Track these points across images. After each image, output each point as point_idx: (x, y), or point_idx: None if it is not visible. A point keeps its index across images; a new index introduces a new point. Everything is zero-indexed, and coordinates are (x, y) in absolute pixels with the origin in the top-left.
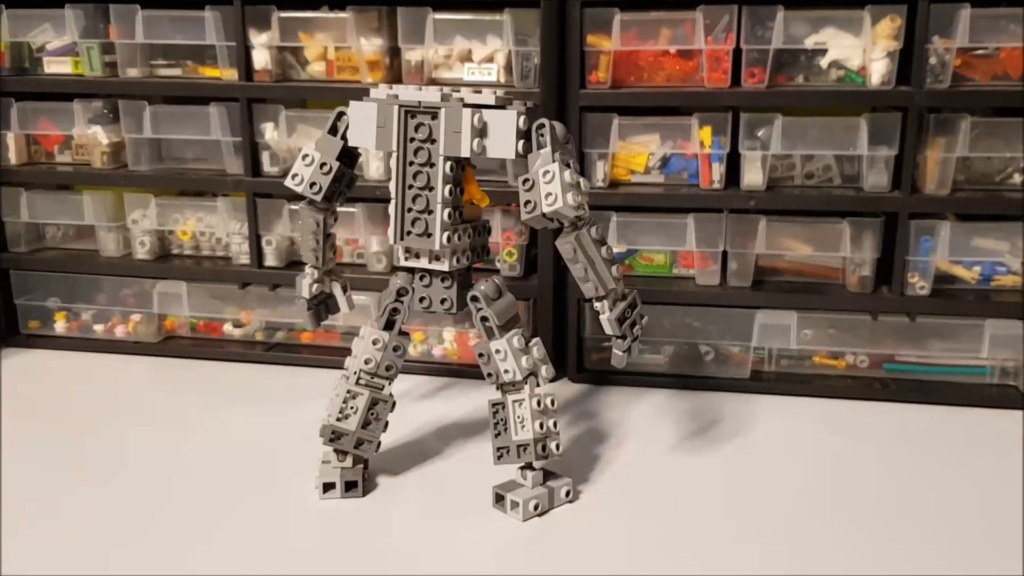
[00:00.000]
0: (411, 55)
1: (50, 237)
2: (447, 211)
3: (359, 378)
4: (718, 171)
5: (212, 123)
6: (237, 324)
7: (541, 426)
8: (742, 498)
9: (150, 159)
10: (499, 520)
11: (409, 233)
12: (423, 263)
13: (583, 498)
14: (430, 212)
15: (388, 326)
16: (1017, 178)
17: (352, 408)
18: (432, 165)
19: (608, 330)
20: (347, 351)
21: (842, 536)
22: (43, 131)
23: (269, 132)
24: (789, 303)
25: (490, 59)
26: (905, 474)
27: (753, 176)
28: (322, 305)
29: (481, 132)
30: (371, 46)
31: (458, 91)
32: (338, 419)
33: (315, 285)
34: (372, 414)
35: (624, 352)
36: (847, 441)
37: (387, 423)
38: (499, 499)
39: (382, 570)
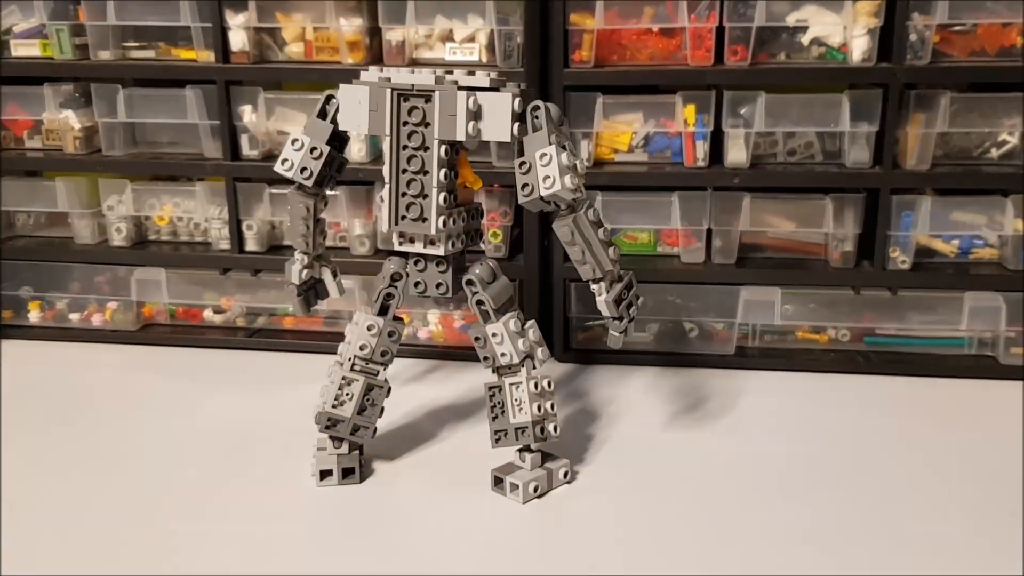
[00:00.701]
0: (392, 35)
1: (20, 225)
2: (443, 195)
3: (353, 364)
4: (702, 149)
5: (188, 106)
6: (217, 310)
7: (539, 408)
8: (738, 473)
9: (124, 143)
10: (499, 502)
11: (404, 218)
12: (418, 248)
13: (580, 478)
14: (425, 196)
15: (382, 311)
16: (994, 152)
17: (347, 395)
18: (426, 149)
19: (605, 312)
20: (330, 335)
21: (837, 506)
22: (11, 116)
23: (247, 115)
24: (773, 279)
25: (471, 39)
26: (894, 444)
27: (737, 154)
28: (311, 291)
29: (476, 115)
30: (351, 26)
31: (451, 73)
32: (333, 406)
33: (305, 271)
34: (368, 400)
35: (620, 333)
36: (834, 414)
37: (383, 409)
38: (498, 482)
39: (385, 556)
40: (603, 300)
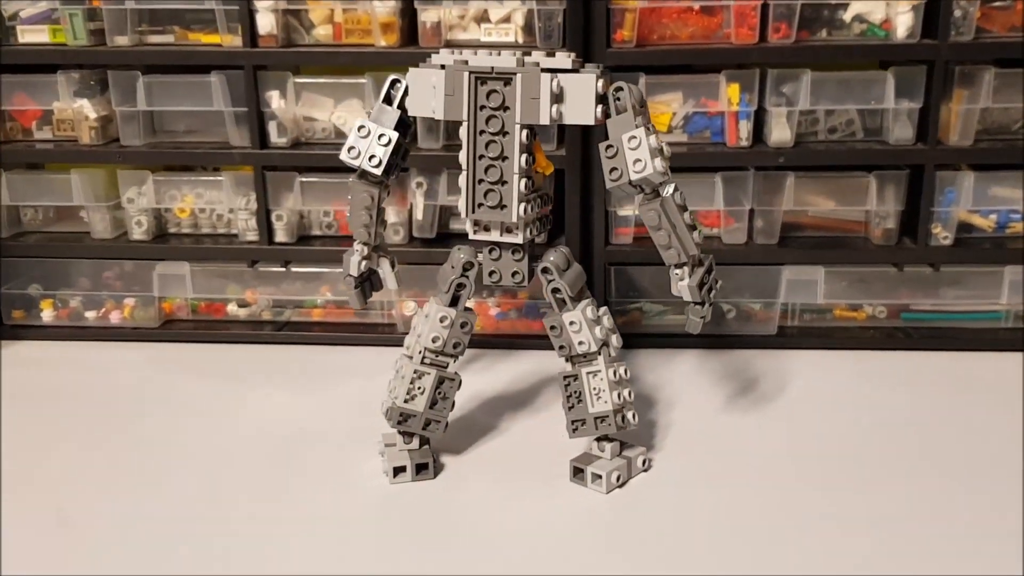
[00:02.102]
0: (426, 16)
1: (28, 220)
2: (523, 181)
3: (424, 357)
4: (745, 128)
5: (214, 93)
6: (242, 304)
7: (618, 396)
8: (805, 454)
9: (144, 133)
10: (580, 493)
11: (481, 205)
12: (494, 236)
13: (656, 466)
14: (504, 183)
15: (453, 302)
16: None
17: (419, 388)
18: (505, 134)
19: (687, 297)
20: (361, 327)
21: (913, 485)
22: (18, 106)
23: (276, 101)
24: (816, 259)
25: (507, 19)
26: (951, 420)
27: (781, 133)
28: (367, 282)
29: (558, 98)
30: (384, 7)
31: (529, 55)
32: (405, 401)
33: (364, 262)
34: (439, 393)
35: (701, 319)
36: (885, 391)
37: (454, 402)
38: (577, 472)
39: (474, 550)
40: (685, 285)
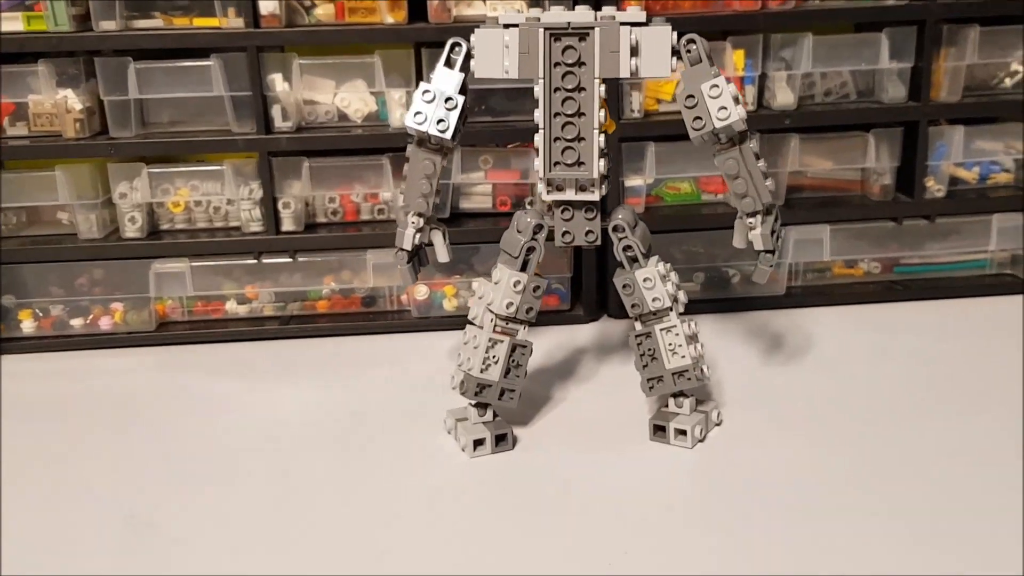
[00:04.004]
0: None
1: (1, 225)
2: (602, 137)
3: (495, 325)
4: (750, 93)
5: (213, 77)
6: (242, 301)
7: (695, 350)
8: (852, 398)
9: (136, 124)
10: (664, 450)
11: (558, 164)
12: (568, 195)
13: (725, 419)
14: (581, 139)
15: (523, 267)
16: (1008, 82)
17: (493, 357)
18: (582, 90)
19: (759, 245)
20: (371, 315)
21: (953, 413)
22: None
23: (279, 84)
24: (819, 217)
25: None
26: (962, 357)
27: (784, 96)
28: (415, 257)
29: (634, 51)
30: None
31: (599, 9)
32: (481, 371)
33: (418, 235)
34: (512, 361)
35: (770, 267)
36: (898, 338)
37: (527, 371)
38: (658, 430)
39: (578, 513)
40: (758, 234)
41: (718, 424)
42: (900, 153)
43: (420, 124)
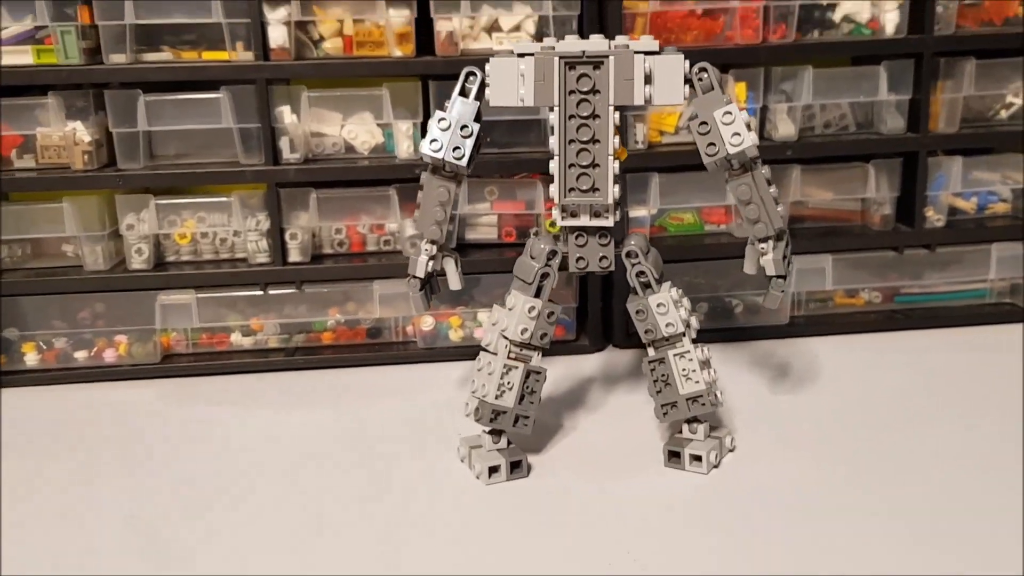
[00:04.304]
0: (442, 25)
1: (5, 257)
2: (616, 163)
3: (509, 351)
4: (753, 125)
5: (223, 109)
6: (247, 332)
7: (708, 375)
8: (862, 425)
9: (144, 155)
10: (679, 476)
11: (572, 190)
12: (583, 221)
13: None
14: (596, 166)
15: (536, 293)
16: (1004, 113)
17: (507, 384)
18: (596, 117)
19: (771, 271)
20: (377, 346)
21: (958, 436)
22: None
23: (287, 116)
24: (822, 247)
25: (517, 28)
26: (968, 384)
27: (786, 127)
28: (427, 285)
29: (648, 79)
30: (400, 17)
31: (613, 40)
32: (496, 397)
33: (431, 262)
34: (527, 388)
35: (782, 292)
36: (903, 367)
37: (540, 398)
38: (673, 456)
39: (598, 538)
40: (770, 259)
41: (731, 450)
42: (900, 183)
43: (436, 152)
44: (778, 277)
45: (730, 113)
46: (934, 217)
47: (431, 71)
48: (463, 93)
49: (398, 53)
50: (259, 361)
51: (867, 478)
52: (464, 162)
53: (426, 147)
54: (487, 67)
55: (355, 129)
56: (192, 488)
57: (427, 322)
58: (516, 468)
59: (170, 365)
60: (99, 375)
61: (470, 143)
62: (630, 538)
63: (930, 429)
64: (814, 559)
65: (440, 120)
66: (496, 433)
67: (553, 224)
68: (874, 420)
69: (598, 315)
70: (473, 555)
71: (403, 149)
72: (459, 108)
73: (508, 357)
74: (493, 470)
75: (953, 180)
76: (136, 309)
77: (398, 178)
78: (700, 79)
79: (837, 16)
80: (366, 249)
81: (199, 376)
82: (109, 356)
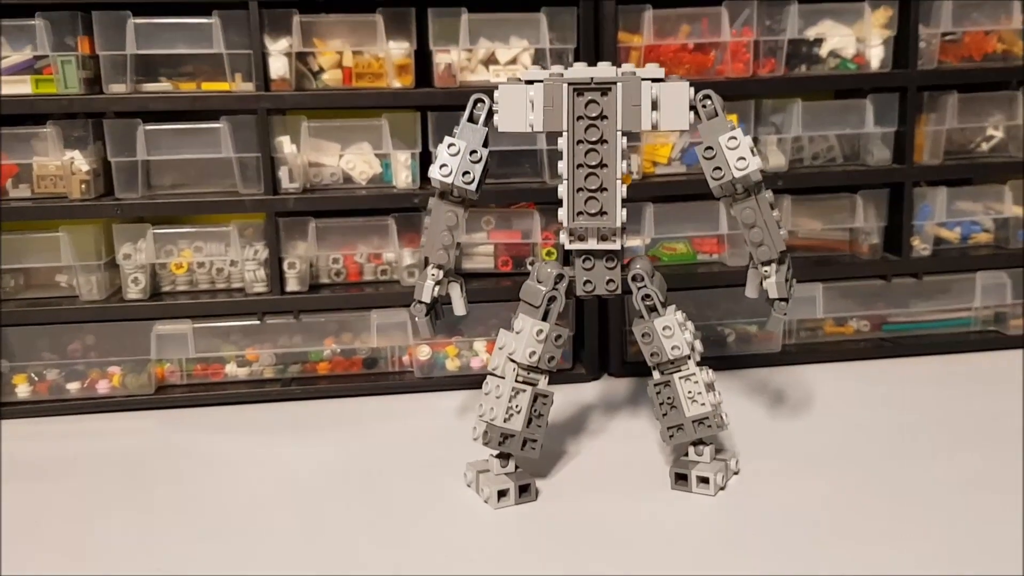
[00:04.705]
0: (441, 57)
1: (5, 289)
2: (624, 187)
3: (517, 375)
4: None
5: (223, 139)
6: (242, 363)
7: (714, 397)
8: (860, 447)
9: (142, 185)
10: (687, 499)
11: (581, 214)
12: (590, 244)
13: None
14: (604, 190)
15: (544, 316)
16: (984, 146)
17: (515, 407)
18: (604, 142)
19: (773, 293)
20: (373, 376)
21: (952, 458)
22: None
23: (286, 146)
24: (812, 275)
25: (513, 61)
26: (955, 406)
27: (776, 158)
28: (432, 310)
29: (654, 105)
30: (400, 49)
31: (619, 67)
32: (504, 420)
33: (437, 287)
34: (534, 411)
35: (784, 315)
36: (895, 392)
37: (548, 421)
38: (680, 478)
39: (612, 561)
40: (773, 282)
41: (736, 472)
42: (887, 213)
43: (446, 176)
44: (781, 300)
45: (735, 138)
46: (920, 246)
47: (430, 102)
48: (471, 119)
49: (397, 84)
50: (257, 391)
51: (871, 499)
52: (474, 187)
53: (436, 172)
54: (496, 94)
55: (353, 159)
56: (189, 517)
57: (424, 351)
58: (525, 492)
59: (164, 396)
60: (92, 407)
61: (479, 168)
62: (645, 560)
63: (925, 452)
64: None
65: (450, 145)
66: (504, 457)
67: (550, 253)
68: (871, 445)
69: (595, 344)
70: None
71: (401, 179)
72: (468, 134)
73: (516, 380)
74: (502, 494)
75: (938, 210)
76: (131, 339)
77: (397, 207)
78: (704, 106)
79: (824, 51)
80: (363, 279)
81: (197, 407)
82: (103, 387)
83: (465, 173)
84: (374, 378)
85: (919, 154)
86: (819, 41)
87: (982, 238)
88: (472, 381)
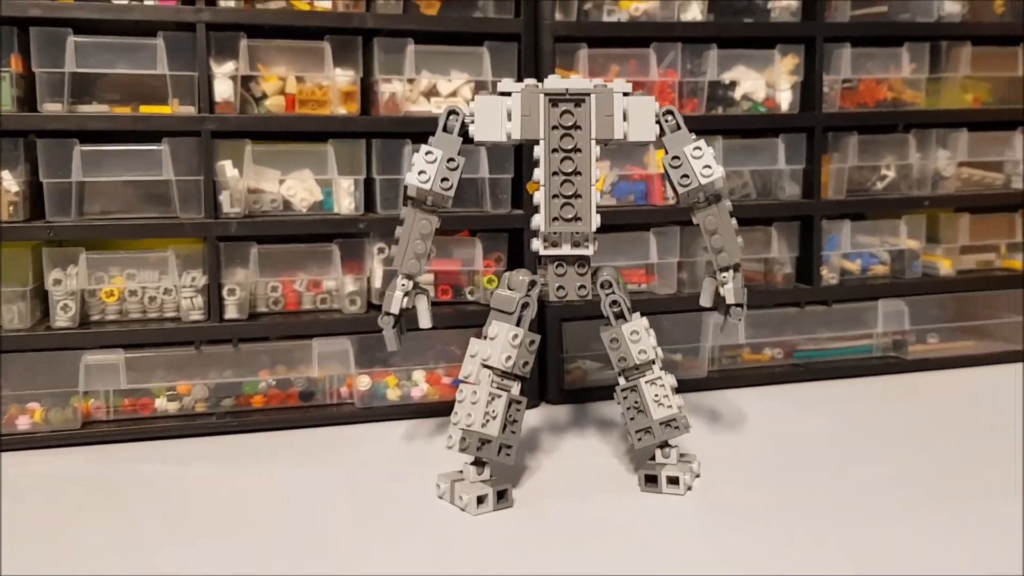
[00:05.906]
0: (385, 87)
1: None
2: (598, 194)
3: (492, 380)
4: (669, 190)
5: (163, 161)
6: (173, 397)
7: (680, 399)
8: (795, 456)
9: (76, 207)
10: (658, 499)
11: (556, 219)
12: (564, 250)
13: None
14: (578, 197)
15: (517, 322)
16: (879, 184)
17: (492, 413)
18: (578, 151)
19: (731, 299)
20: (310, 408)
21: (878, 466)
22: None
23: (228, 170)
24: None
25: (454, 94)
26: (904, 429)
27: None
28: (398, 323)
29: (624, 117)
30: (345, 76)
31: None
32: (482, 425)
33: (405, 298)
34: (509, 417)
35: (739, 320)
36: (812, 410)
37: (521, 427)
38: (650, 480)
39: (601, 559)
40: (731, 288)
41: (698, 476)
42: (798, 244)
43: (424, 183)
44: (737, 306)
45: (699, 148)
46: (828, 276)
47: (376, 129)
48: (445, 130)
49: (342, 111)
50: (191, 425)
51: (813, 497)
52: (451, 192)
53: (414, 178)
54: (472, 105)
55: (294, 186)
56: (168, 549)
57: (363, 382)
58: (502, 498)
59: (92, 431)
60: (10, 444)
61: (456, 175)
62: (630, 558)
63: (846, 460)
64: (804, 563)
65: (427, 153)
66: (479, 464)
67: (491, 281)
68: (801, 454)
69: (536, 373)
70: None
71: (344, 206)
72: (444, 143)
73: (491, 386)
74: (481, 500)
75: (844, 242)
76: (58, 370)
77: (340, 232)
78: (667, 120)
79: (738, 94)
80: (302, 307)
81: (129, 443)
82: (23, 423)
83: (444, 179)
84: (312, 410)
85: (825, 191)
86: (733, 84)
87: (879, 270)
88: (414, 410)
